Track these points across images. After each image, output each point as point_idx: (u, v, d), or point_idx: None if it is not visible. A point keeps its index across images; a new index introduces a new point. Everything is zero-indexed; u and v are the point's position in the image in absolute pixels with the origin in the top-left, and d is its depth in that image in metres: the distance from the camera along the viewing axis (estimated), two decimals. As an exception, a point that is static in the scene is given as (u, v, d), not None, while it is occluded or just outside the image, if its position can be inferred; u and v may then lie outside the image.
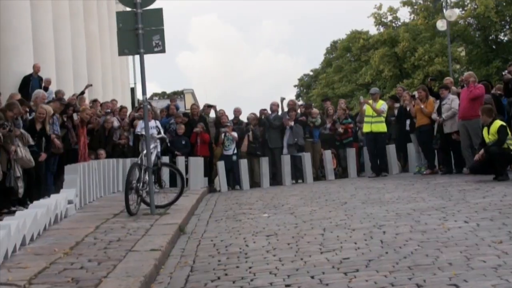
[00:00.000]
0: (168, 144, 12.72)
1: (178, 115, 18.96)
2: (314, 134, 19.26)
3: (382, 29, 52.49)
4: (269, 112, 19.18)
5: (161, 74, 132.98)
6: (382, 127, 17.60)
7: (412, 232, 8.43)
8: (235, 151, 18.48)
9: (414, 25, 51.16)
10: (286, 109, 19.31)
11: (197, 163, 16.80)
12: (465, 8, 49.80)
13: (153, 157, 12.11)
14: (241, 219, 11.18)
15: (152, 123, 17.03)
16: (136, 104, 32.03)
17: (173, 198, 12.48)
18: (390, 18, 52.51)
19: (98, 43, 29.13)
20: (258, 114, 19.43)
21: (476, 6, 48.27)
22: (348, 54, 58.02)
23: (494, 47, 50.62)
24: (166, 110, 19.94)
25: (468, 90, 15.40)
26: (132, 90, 41.75)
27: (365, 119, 17.76)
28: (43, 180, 13.79)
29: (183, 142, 18.30)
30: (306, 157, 18.21)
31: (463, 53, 50.08)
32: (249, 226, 10.32)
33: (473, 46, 50.09)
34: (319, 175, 19.06)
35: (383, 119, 17.62)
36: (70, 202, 11.65)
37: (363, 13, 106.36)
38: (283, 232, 9.41)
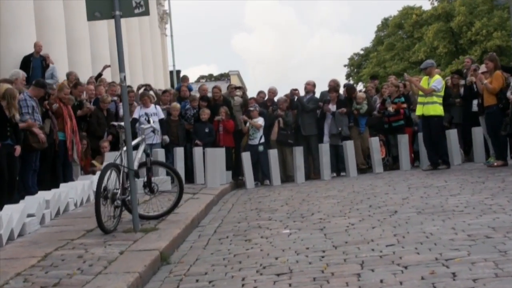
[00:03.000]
0: (157, 138, 9.77)
1: (194, 98, 15.80)
2: (360, 123, 15.78)
3: (436, 3, 48.60)
4: (303, 93, 15.90)
5: (216, 56, 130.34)
6: (434, 110, 13.88)
7: (499, 278, 5.18)
8: (262, 140, 15.29)
9: (470, -2, 47.12)
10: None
11: (215, 155, 13.65)
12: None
13: (139, 154, 9.07)
14: (252, 238, 8.03)
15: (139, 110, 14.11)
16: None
17: (169, 206, 9.44)
18: (444, -9, 48.54)
19: (123, 19, 26.10)
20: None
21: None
22: (400, 31, 54.20)
23: (557, 19, 46.24)
24: (177, 93, 16.78)
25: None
26: (172, 73, 38.75)
27: (418, 99, 14.32)
28: (18, 182, 10.82)
29: (207, 130, 15.17)
30: (349, 146, 14.89)
31: (523, 26, 45.92)
32: (258, 252, 7.17)
33: (535, 19, 45.83)
34: (365, 166, 15.72)
35: (436, 99, 13.89)
36: (30, 215, 8.68)
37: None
38: (302, 267, 6.23)
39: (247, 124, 15.35)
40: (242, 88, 17.08)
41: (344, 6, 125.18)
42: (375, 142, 15.09)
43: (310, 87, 15.99)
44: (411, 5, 52.68)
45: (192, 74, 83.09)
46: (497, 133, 13.26)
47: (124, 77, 8.53)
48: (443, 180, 11.52)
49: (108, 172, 8.32)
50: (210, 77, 64.10)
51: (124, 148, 8.53)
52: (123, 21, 27.43)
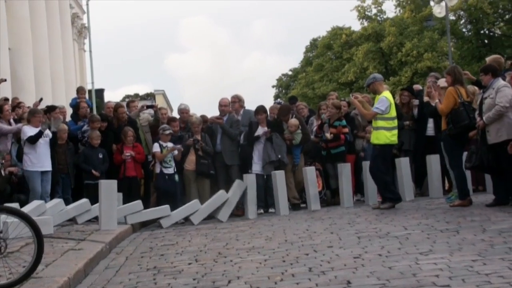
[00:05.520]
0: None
1: (95, 119, 12.61)
2: (295, 152, 12.93)
3: (366, 23, 46.62)
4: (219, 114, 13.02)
5: (149, 76, 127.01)
6: (377, 137, 11.07)
7: None
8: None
9: (400, 18, 45.32)
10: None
11: (111, 189, 10.49)
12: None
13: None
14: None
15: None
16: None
17: (25, 269, 6.34)
18: (374, 11, 46.64)
19: (29, 29, 22.74)
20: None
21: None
22: (329, 52, 52.16)
23: (486, 41, 44.94)
24: (74, 109, 13.55)
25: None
26: (90, 92, 35.07)
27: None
28: None
29: (100, 156, 12.16)
30: (278, 177, 11.95)
31: (453, 48, 44.36)
32: None
33: (463, 40, 44.43)
34: (298, 202, 12.80)
35: (382, 123, 11.01)
36: None
37: (345, 8, 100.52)
38: None
39: (164, 152, 12.35)
40: (155, 106, 14.01)
41: (278, 28, 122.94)
42: (310, 173, 12.16)
43: (223, 108, 13.08)
44: (340, 25, 50.79)
45: (122, 93, 79.70)
46: (451, 164, 10.64)
47: None
48: (402, 226, 8.63)
49: None
50: (135, 96, 60.69)
51: None
52: (26, 31, 23.89)
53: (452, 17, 43.86)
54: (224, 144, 12.76)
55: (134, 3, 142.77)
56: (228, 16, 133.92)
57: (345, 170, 12.16)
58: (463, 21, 45.89)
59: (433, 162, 11.89)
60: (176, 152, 12.37)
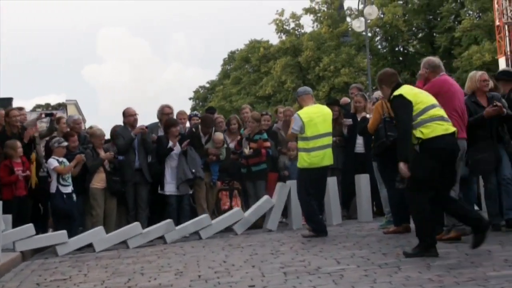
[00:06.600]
0: None
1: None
2: (213, 169, 11.71)
3: (284, 37, 45.97)
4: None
5: (67, 86, 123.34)
6: (299, 160, 9.71)
7: None
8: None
9: (318, 33, 44.90)
10: None
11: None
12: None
13: None
14: None
15: None
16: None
17: None
18: (292, 25, 46.08)
19: None
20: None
21: (383, 15, 42.45)
22: (246, 65, 51.35)
23: (401, 58, 45.10)
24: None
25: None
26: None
27: None
28: None
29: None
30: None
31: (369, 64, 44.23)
32: None
33: (379, 57, 44.39)
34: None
35: (301, 144, 9.61)
36: None
37: (263, 22, 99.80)
38: None
39: (62, 166, 10.75)
40: (54, 115, 12.35)
41: (197, 40, 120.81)
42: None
43: (135, 117, 11.67)
44: (258, 38, 50.05)
45: (34, 103, 76.71)
46: (385, 186, 9.47)
47: None
48: (333, 259, 7.32)
49: None
50: (47, 106, 58.16)
51: None
52: None
53: (368, 34, 43.75)
54: (143, 160, 11.33)
55: (50, 11, 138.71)
56: (147, 28, 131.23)
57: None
58: (378, 38, 45.96)
59: (363, 182, 10.76)
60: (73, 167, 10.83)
